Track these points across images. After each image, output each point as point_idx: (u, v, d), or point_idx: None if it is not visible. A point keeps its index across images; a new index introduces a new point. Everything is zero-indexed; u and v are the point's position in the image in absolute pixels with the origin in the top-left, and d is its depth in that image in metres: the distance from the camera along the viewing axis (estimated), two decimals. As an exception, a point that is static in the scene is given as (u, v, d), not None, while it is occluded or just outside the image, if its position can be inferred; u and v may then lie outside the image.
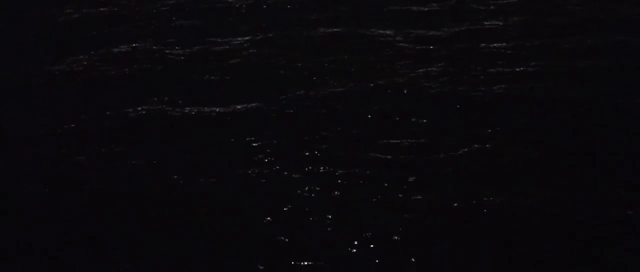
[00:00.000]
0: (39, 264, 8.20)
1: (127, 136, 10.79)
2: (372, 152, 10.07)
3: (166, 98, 11.98)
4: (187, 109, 11.58)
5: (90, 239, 8.52)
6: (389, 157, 9.95)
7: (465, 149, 10.05)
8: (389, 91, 11.90)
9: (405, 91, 11.86)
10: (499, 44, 13.71)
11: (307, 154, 10.10)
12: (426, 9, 15.46)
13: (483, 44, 13.75)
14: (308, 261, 8.03)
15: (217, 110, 11.52)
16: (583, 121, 10.69)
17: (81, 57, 13.87)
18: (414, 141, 10.35)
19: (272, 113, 11.33)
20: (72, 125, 11.21)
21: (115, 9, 16.41)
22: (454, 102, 11.46)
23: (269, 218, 8.75)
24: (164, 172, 9.81)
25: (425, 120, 10.91)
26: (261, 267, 7.99)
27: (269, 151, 10.25)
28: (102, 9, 16.53)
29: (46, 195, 9.41)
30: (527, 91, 11.67)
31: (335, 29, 14.53)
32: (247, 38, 14.38)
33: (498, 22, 14.74)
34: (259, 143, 10.46)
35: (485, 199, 8.93)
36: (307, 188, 9.33)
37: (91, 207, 9.14)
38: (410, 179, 9.39)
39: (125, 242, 8.45)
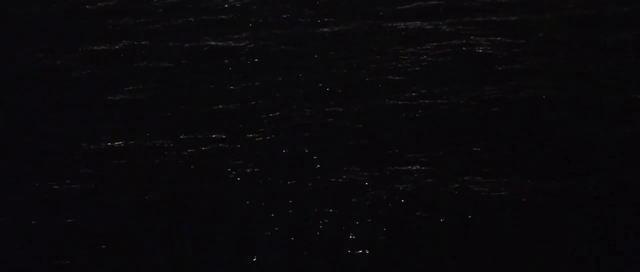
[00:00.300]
0: (38, 265, 8.25)
1: (125, 135, 10.83)
2: (370, 148, 10.18)
3: (165, 95, 12.06)
4: (184, 106, 11.66)
5: (87, 238, 8.57)
6: (387, 152, 10.06)
7: (461, 145, 10.17)
8: (386, 88, 12.01)
9: (402, 88, 11.96)
10: (494, 42, 13.78)
11: (305, 152, 10.19)
12: (425, 7, 15.52)
13: (479, 41, 13.84)
14: (307, 264, 8.15)
15: (215, 107, 11.60)
16: (578, 118, 10.84)
17: (77, 53, 13.88)
18: (412, 136, 10.47)
19: (270, 110, 11.41)
20: (70, 120, 11.33)
21: (113, 4, 16.39)
22: (450, 98, 11.57)
23: (266, 215, 8.80)
24: (161, 169, 9.88)
25: (422, 115, 11.04)
26: (258, 268, 8.09)
27: (266, 148, 10.34)
28: (100, 4, 16.50)
29: (43, 196, 9.44)
30: (522, 89, 11.76)
31: (333, 28, 14.53)
32: (245, 36, 14.39)
33: (494, 20, 14.81)
34: (257, 141, 10.54)
35: (482, 192, 9.06)
36: (307, 185, 9.34)
37: (89, 204, 9.19)
38: (410, 174, 9.49)
39: (124, 243, 8.50)
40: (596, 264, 7.96)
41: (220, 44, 14.05)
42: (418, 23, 14.69)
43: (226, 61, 13.26)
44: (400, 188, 9.25)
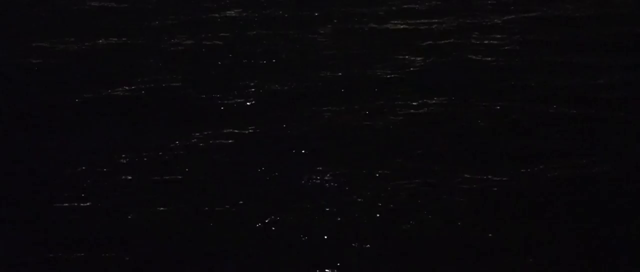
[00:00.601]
0: (39, 264, 8.14)
1: (123, 133, 10.81)
2: (366, 146, 10.21)
3: (163, 92, 12.08)
4: (184, 104, 11.68)
5: (85, 238, 8.45)
6: (384, 150, 10.09)
7: (457, 144, 10.24)
8: (385, 84, 12.12)
9: (399, 87, 12.03)
10: (490, 41, 13.89)
11: (302, 151, 10.20)
12: (424, 6, 15.63)
13: (479, 37, 13.97)
14: (305, 263, 8.12)
15: (213, 104, 11.62)
16: (574, 116, 10.90)
17: (77, 50, 13.94)
18: (408, 135, 10.51)
19: (269, 105, 11.48)
20: (68, 117, 11.33)
21: (112, 3, 16.49)
22: (449, 92, 11.68)
23: (263, 213, 8.74)
24: (160, 167, 9.83)
25: (419, 114, 11.08)
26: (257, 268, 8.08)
27: (262, 147, 10.32)
28: (101, 2, 16.60)
29: (41, 193, 9.35)
30: (518, 88, 11.86)
31: (332, 27, 14.64)
32: (240, 35, 14.48)
33: (495, 17, 14.90)
34: (253, 139, 10.55)
35: (477, 191, 9.08)
36: (304, 184, 9.30)
37: (86, 201, 9.12)
38: (407, 172, 9.51)
39: (121, 242, 8.37)
40: (593, 262, 8.00)
41: (218, 42, 14.13)
42: (416, 22, 14.78)
43: (224, 59, 13.34)
44: (397, 187, 9.24)
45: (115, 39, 14.44)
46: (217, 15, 15.43)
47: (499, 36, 14.08)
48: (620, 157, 9.77)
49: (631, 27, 14.25)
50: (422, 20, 14.87)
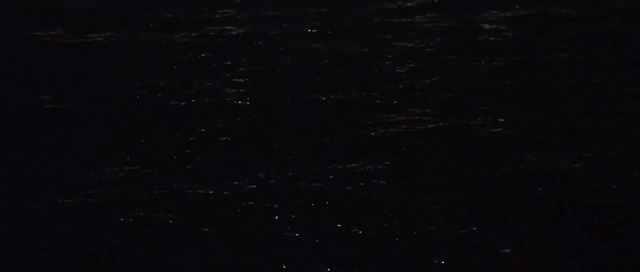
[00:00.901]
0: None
1: (121, 129, 10.84)
2: (367, 141, 10.28)
3: (162, 83, 12.12)
4: (180, 99, 11.70)
5: (84, 239, 8.47)
6: (384, 143, 10.19)
7: (458, 139, 10.33)
8: (385, 84, 12.09)
9: (401, 83, 12.08)
10: (495, 38, 13.91)
11: (303, 149, 10.22)
12: (423, 4, 15.69)
13: (478, 37, 13.98)
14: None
15: (212, 102, 11.63)
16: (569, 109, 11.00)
17: (76, 46, 13.96)
18: (409, 131, 10.56)
19: (267, 104, 11.47)
20: (68, 113, 11.38)
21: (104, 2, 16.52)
22: (448, 92, 11.69)
23: (258, 211, 8.80)
24: (159, 164, 9.86)
25: (420, 111, 11.15)
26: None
27: (263, 141, 10.36)
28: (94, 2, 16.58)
29: (39, 188, 9.38)
30: (522, 86, 11.88)
31: (330, 23, 14.63)
32: (241, 31, 14.49)
33: (495, 17, 14.92)
34: (254, 134, 10.58)
35: (473, 172, 9.23)
36: (307, 181, 9.38)
37: (83, 198, 9.13)
38: (408, 164, 9.62)
39: (121, 241, 8.41)
40: (593, 262, 7.98)
41: (217, 41, 14.14)
42: (415, 22, 14.79)
43: (223, 58, 13.34)
44: (397, 186, 9.26)
45: (115, 38, 14.44)
46: (216, 15, 15.44)
47: (499, 36, 14.08)
48: (620, 156, 9.78)
49: (631, 27, 14.24)
50: (422, 20, 14.86)
